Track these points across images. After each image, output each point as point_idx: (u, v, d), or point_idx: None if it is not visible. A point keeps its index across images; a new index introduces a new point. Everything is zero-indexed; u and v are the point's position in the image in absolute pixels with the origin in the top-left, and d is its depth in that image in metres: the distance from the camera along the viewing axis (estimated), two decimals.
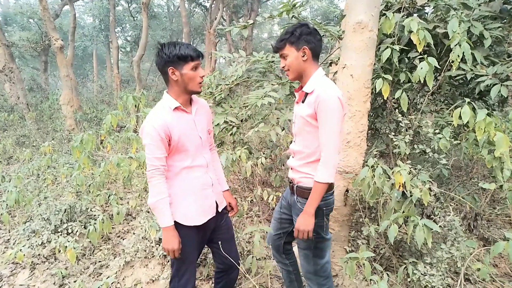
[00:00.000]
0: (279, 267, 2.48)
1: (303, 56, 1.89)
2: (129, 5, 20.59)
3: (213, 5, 16.73)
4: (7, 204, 3.84)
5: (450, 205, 2.92)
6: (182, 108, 1.94)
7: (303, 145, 1.97)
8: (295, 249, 2.50)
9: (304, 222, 1.88)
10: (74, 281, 3.06)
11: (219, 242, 2.22)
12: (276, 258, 2.45)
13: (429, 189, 2.42)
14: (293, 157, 2.11)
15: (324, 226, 2.03)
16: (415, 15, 3.25)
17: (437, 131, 2.78)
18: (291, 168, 2.12)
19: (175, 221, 1.97)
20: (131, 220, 4.27)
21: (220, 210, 2.18)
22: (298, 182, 2.03)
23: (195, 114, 2.02)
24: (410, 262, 2.47)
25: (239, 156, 3.09)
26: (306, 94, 1.91)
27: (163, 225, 1.92)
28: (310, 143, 1.93)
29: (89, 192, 4.09)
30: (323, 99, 1.79)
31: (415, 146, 2.82)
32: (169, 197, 1.95)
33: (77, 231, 3.49)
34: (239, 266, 2.32)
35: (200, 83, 1.92)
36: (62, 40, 9.25)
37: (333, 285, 2.21)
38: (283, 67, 1.97)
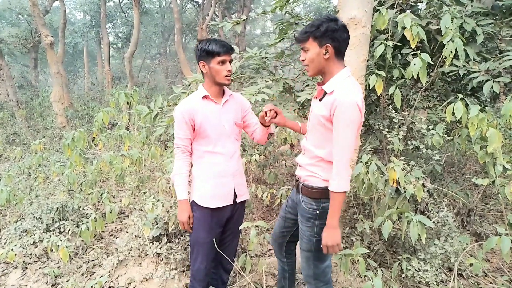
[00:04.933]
0: (278, 261, 2.45)
1: (325, 53, 1.76)
2: (120, 1, 20.37)
3: (205, 1, 16.62)
4: None
5: (444, 201, 2.94)
6: (211, 98, 2.14)
7: (314, 144, 1.91)
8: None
9: (331, 237, 1.79)
10: (67, 281, 3.03)
11: (227, 234, 2.39)
12: (276, 254, 2.42)
13: (423, 185, 2.43)
14: (303, 154, 2.04)
15: None
16: (409, 11, 3.25)
17: (430, 127, 2.79)
18: (299, 166, 2.04)
19: (193, 200, 2.20)
20: (124, 219, 4.24)
21: (238, 201, 2.29)
22: (304, 180, 1.96)
23: (223, 104, 2.18)
24: (404, 258, 2.49)
25: None
26: (325, 92, 1.80)
27: (178, 198, 2.14)
28: (321, 143, 1.86)
29: (81, 190, 4.05)
30: (341, 105, 1.68)
31: (409, 142, 2.83)
32: (191, 177, 2.21)
33: (69, 230, 3.46)
34: (233, 261, 2.38)
35: (227, 76, 2.08)
36: (52, 36, 9.13)
37: None
38: (303, 60, 1.84)
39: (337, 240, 1.80)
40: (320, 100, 1.83)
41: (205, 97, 2.13)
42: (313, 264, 2.01)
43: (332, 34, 1.72)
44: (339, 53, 1.79)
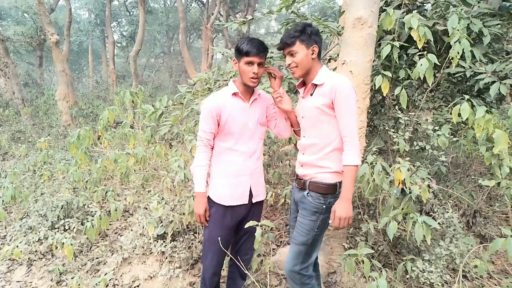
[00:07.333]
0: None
1: (312, 54, 1.96)
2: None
3: (210, 0, 16.63)
4: (3, 200, 3.81)
5: (449, 202, 2.93)
6: (240, 95, 2.15)
7: (319, 136, 1.99)
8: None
9: (346, 209, 1.86)
10: (72, 278, 3.04)
11: (242, 234, 2.35)
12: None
13: (428, 186, 2.42)
14: (303, 153, 2.09)
15: (328, 223, 2.03)
16: (415, 11, 3.24)
17: (436, 128, 2.78)
18: (302, 165, 2.09)
19: (208, 196, 2.21)
20: (129, 217, 4.26)
21: (254, 201, 2.27)
22: (312, 177, 2.02)
23: (251, 103, 2.19)
24: (408, 259, 2.48)
25: None
26: (315, 87, 1.98)
27: (195, 190, 2.16)
28: (327, 133, 1.96)
29: (86, 188, 4.07)
30: (340, 87, 1.86)
31: (414, 143, 2.82)
32: (209, 172, 2.21)
33: (74, 227, 3.47)
34: (248, 264, 2.41)
35: (252, 78, 2.06)
36: (57, 35, 9.17)
37: (315, 284, 2.16)
38: (289, 64, 1.99)
39: (350, 212, 1.87)
40: (311, 95, 2.01)
41: (234, 94, 2.15)
42: (302, 258, 2.05)
43: (315, 36, 1.96)
44: (320, 53, 2.02)
